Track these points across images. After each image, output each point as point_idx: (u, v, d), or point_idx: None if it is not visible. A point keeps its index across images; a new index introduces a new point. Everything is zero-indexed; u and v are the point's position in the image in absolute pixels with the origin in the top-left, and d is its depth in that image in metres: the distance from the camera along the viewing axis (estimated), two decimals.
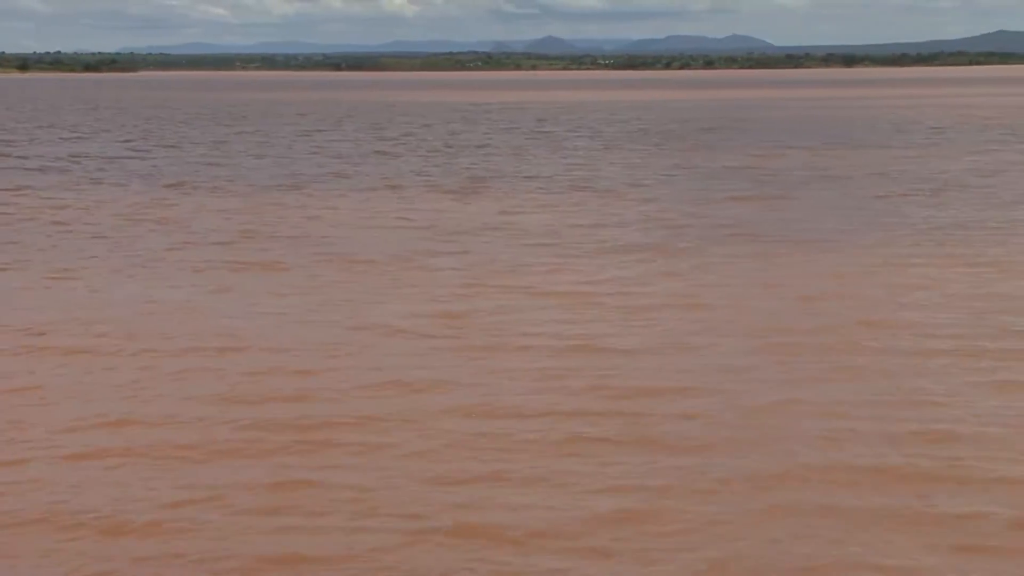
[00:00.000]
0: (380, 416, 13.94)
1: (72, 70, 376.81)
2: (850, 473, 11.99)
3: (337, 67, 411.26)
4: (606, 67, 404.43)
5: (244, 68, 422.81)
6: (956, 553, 10.27)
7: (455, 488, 11.73)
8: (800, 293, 20.96)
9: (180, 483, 11.91)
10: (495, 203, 34.90)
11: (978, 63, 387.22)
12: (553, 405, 14.34)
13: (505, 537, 10.62)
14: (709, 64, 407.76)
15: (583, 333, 17.98)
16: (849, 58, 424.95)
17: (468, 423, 13.72)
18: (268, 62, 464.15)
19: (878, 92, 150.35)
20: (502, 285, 21.84)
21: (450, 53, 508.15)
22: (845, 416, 13.75)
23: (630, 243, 26.78)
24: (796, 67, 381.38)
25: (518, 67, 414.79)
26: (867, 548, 10.30)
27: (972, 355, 16.40)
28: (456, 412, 14.09)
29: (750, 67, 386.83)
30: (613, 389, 14.97)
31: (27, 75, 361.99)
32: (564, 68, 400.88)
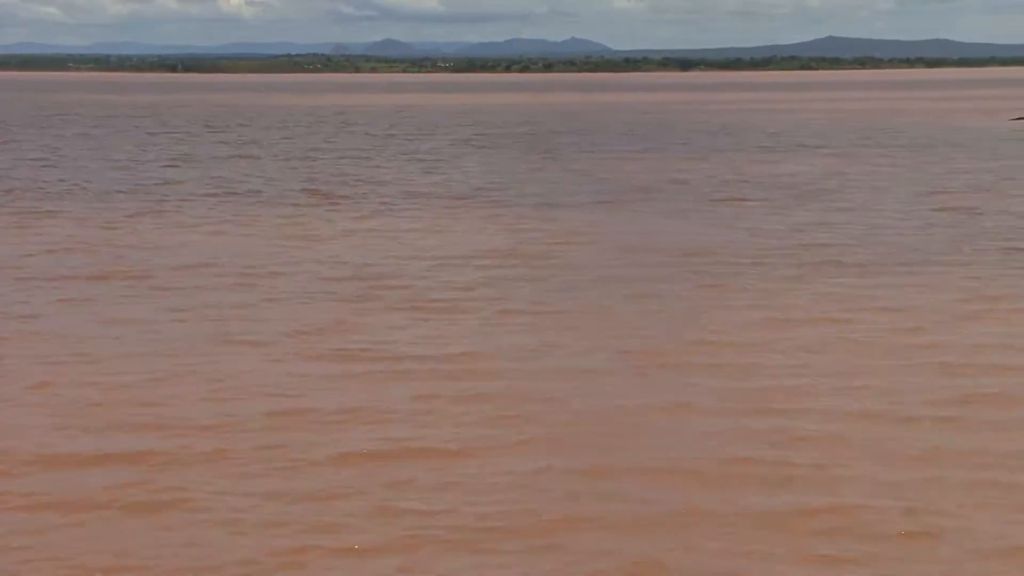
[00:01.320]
0: (238, 448, 13.18)
1: None
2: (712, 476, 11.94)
3: (173, 68, 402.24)
4: (446, 70, 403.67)
5: (77, 69, 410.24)
6: None
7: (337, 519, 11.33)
8: (666, 301, 20.97)
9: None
10: (348, 210, 34.29)
11: (810, 67, 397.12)
12: (416, 426, 14.01)
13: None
14: (549, 67, 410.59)
15: (445, 349, 17.68)
16: (686, 62, 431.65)
17: (336, 450, 13.29)
18: (102, 63, 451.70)
19: (715, 97, 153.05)
20: (361, 296, 21.34)
21: (289, 55, 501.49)
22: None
23: (486, 250, 26.49)
24: (634, 70, 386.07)
25: (357, 69, 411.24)
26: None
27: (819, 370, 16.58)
28: (322, 443, 13.63)
29: (589, 70, 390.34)
30: (485, 403, 14.69)
31: None
32: (404, 71, 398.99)
